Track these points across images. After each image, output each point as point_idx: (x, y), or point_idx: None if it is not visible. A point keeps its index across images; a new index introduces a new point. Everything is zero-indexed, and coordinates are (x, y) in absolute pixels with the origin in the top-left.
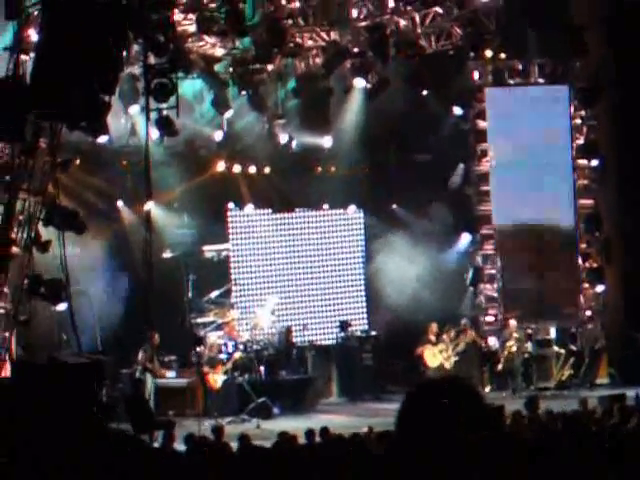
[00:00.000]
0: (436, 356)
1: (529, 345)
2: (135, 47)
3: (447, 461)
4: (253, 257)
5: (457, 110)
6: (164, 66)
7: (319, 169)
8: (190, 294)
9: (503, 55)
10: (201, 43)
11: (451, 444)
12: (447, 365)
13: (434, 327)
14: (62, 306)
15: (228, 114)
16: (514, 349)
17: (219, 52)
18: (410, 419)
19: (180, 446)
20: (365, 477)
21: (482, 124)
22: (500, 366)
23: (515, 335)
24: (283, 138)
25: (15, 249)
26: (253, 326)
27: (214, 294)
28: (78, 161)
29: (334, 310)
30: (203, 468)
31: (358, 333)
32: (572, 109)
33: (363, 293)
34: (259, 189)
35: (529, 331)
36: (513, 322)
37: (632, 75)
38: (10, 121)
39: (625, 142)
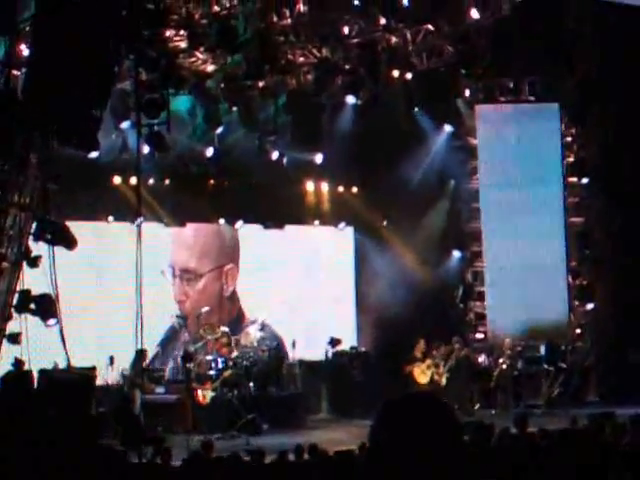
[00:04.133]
0: (425, 372)
1: (519, 362)
2: (126, 62)
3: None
4: (243, 273)
5: (448, 127)
6: (155, 82)
7: (310, 185)
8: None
9: (494, 72)
10: (192, 59)
11: (421, 460)
12: (440, 381)
13: (421, 344)
14: (52, 322)
15: (219, 130)
16: (505, 366)
17: (210, 68)
18: (380, 434)
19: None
20: None
21: (473, 141)
22: (492, 383)
23: (508, 352)
24: (274, 154)
25: (5, 264)
26: (242, 342)
27: (204, 310)
28: (68, 176)
29: (324, 327)
30: None
31: (348, 350)
32: (563, 127)
33: (353, 310)
34: (249, 205)
35: (518, 348)
36: (508, 340)
37: (623, 93)
38: (0, 136)
39: (615, 159)
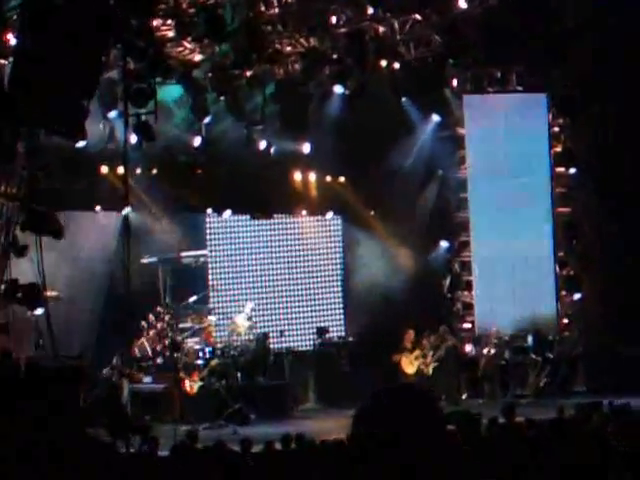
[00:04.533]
0: (413, 363)
1: (506, 352)
2: (114, 52)
3: (397, 466)
4: (231, 263)
5: (436, 117)
6: (143, 71)
7: (298, 175)
8: (168, 299)
9: (482, 62)
10: (180, 48)
11: (404, 450)
12: (426, 371)
13: (411, 334)
14: (39, 311)
15: (206, 120)
16: (491, 356)
17: (198, 57)
18: (364, 424)
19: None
20: None
21: (460, 131)
22: (479, 373)
23: (495, 342)
24: (262, 144)
25: None
26: (230, 332)
27: (192, 300)
28: (56, 165)
29: (311, 316)
30: (181, 473)
31: (335, 339)
32: (550, 117)
33: (340, 299)
34: (237, 195)
35: (506, 338)
36: (495, 330)
37: (612, 84)
38: None
39: (604, 150)
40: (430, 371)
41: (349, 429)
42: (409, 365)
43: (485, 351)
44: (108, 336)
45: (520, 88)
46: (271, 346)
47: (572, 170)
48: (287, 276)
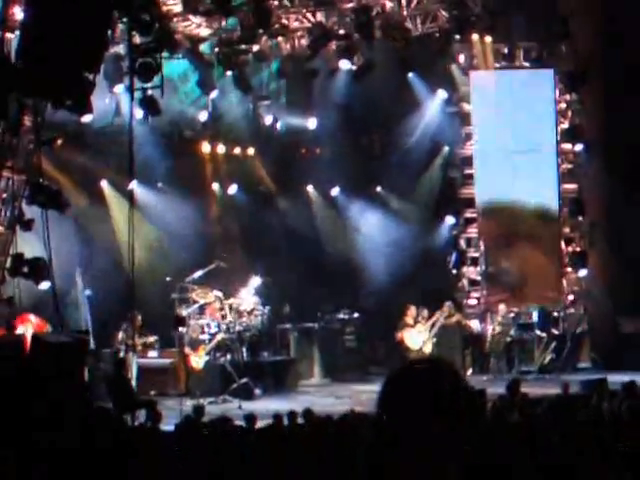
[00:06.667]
0: (416, 339)
1: (512, 329)
2: (120, 26)
3: (427, 444)
4: (237, 238)
5: (442, 93)
6: (149, 46)
7: (303, 150)
8: (172, 274)
9: (489, 38)
10: (186, 23)
11: (431, 427)
12: (426, 348)
13: (412, 310)
14: (45, 285)
15: (213, 94)
16: (498, 331)
17: (204, 32)
18: (390, 401)
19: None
20: (345, 458)
21: (467, 107)
22: (486, 349)
23: (499, 319)
24: (268, 119)
25: None
26: (236, 307)
27: (197, 274)
28: (62, 140)
29: (318, 292)
30: (188, 447)
31: (341, 315)
32: (557, 93)
33: (347, 275)
34: (243, 170)
35: (511, 315)
36: (502, 306)
37: (618, 59)
38: None
39: (611, 126)
40: (429, 347)
41: (354, 403)
42: (412, 341)
43: (491, 328)
44: (113, 310)
45: (527, 64)
46: (276, 322)
47: (579, 146)
48: (294, 252)
